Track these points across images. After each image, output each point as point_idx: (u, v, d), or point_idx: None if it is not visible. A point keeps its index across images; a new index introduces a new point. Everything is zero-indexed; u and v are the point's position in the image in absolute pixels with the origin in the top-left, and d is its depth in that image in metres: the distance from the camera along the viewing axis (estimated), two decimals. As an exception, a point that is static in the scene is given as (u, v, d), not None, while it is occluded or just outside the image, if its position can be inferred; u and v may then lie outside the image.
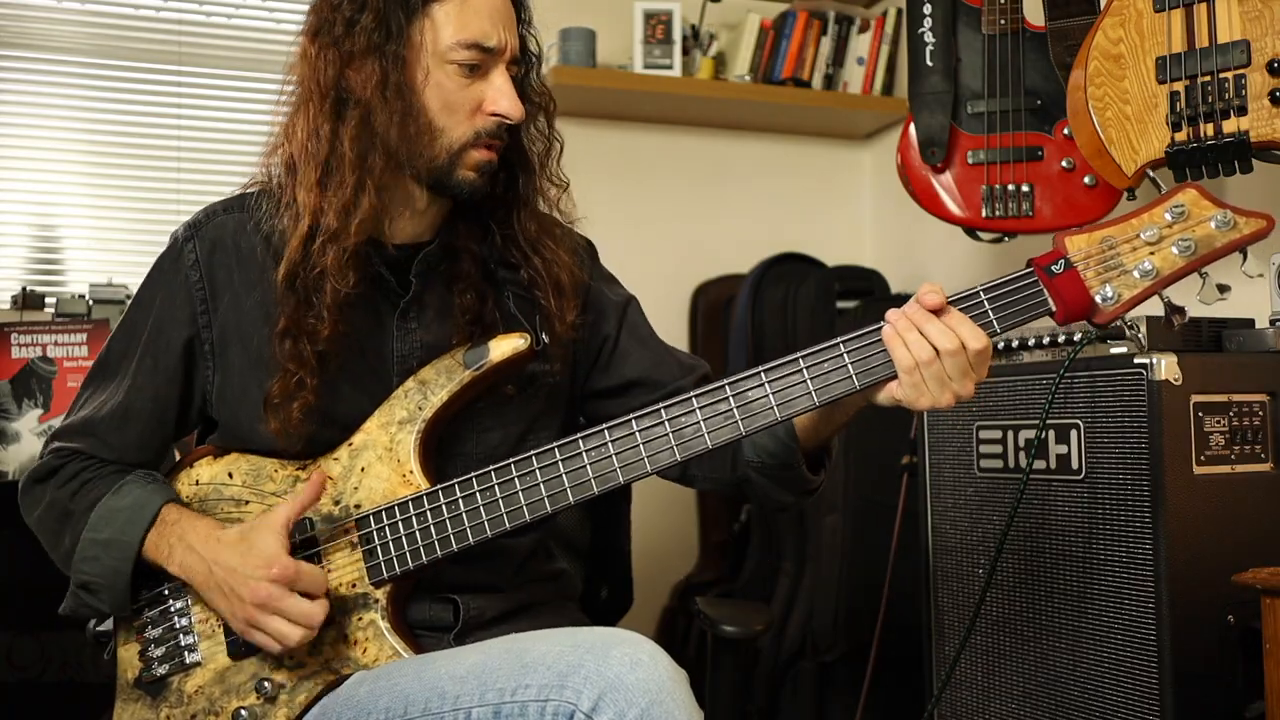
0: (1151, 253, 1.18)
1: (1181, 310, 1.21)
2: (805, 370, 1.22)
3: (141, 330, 1.39)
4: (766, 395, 1.22)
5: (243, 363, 1.36)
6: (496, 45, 1.32)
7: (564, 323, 1.40)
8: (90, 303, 2.36)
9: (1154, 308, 1.27)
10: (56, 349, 2.23)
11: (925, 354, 1.18)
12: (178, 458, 1.43)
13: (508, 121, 1.34)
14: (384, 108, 1.28)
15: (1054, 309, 1.19)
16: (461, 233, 1.40)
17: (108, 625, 1.42)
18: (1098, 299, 1.18)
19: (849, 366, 1.21)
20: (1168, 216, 1.19)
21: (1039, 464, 1.69)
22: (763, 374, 1.22)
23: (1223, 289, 1.20)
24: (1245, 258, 1.20)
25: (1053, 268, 1.19)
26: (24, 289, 2.39)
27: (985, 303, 1.20)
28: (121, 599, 1.31)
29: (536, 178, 1.43)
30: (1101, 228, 1.20)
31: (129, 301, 1.44)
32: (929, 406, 1.20)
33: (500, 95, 1.32)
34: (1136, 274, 1.18)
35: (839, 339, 1.22)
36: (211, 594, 1.27)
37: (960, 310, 1.20)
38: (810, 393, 1.21)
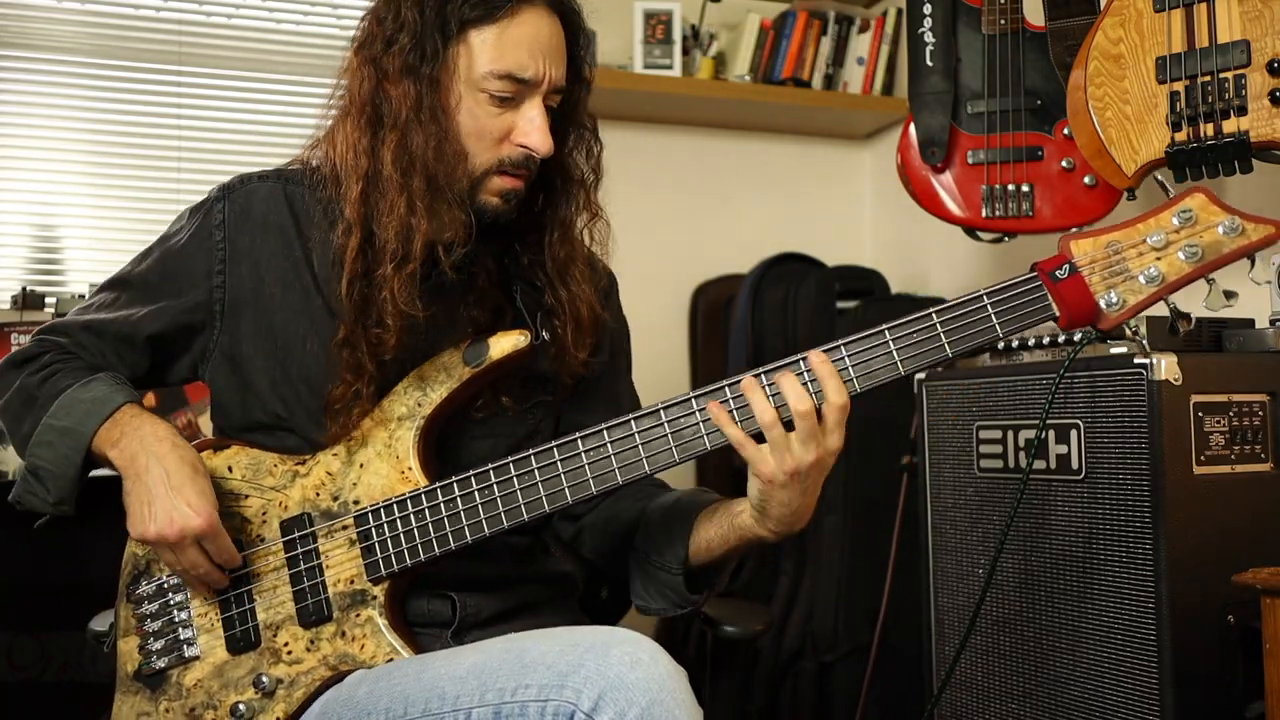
0: (1158, 258, 1.17)
1: (1187, 316, 1.20)
2: (804, 374, 1.21)
3: (156, 266, 1.41)
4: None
5: (253, 330, 1.37)
6: (532, 77, 1.30)
7: (576, 358, 1.40)
8: (90, 302, 2.36)
9: (1157, 308, 1.26)
10: (56, 349, 2.23)
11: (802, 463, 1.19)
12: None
13: (535, 155, 1.32)
14: (419, 130, 1.28)
15: (1058, 314, 1.19)
16: (482, 248, 1.38)
17: (105, 625, 1.42)
18: (1102, 304, 1.18)
19: (850, 370, 1.21)
20: (1175, 221, 1.17)
21: (1039, 464, 1.69)
22: (761, 376, 1.22)
23: (1229, 295, 1.18)
24: (1254, 264, 1.19)
25: (1057, 273, 1.18)
26: (24, 289, 2.40)
27: (988, 306, 1.19)
28: (66, 490, 1.31)
29: (575, 205, 1.42)
30: (1107, 231, 1.19)
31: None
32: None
33: (531, 128, 1.31)
34: (1142, 279, 1.17)
35: (840, 341, 1.21)
36: (135, 484, 1.27)
37: (957, 316, 1.20)
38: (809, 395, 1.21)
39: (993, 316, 1.19)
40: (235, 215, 1.39)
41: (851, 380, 1.20)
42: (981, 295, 1.20)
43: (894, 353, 1.20)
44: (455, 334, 1.36)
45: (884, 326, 1.20)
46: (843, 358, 1.20)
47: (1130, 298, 1.17)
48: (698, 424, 1.23)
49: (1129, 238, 1.18)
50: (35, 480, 1.32)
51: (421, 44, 1.28)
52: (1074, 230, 1.92)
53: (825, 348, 1.21)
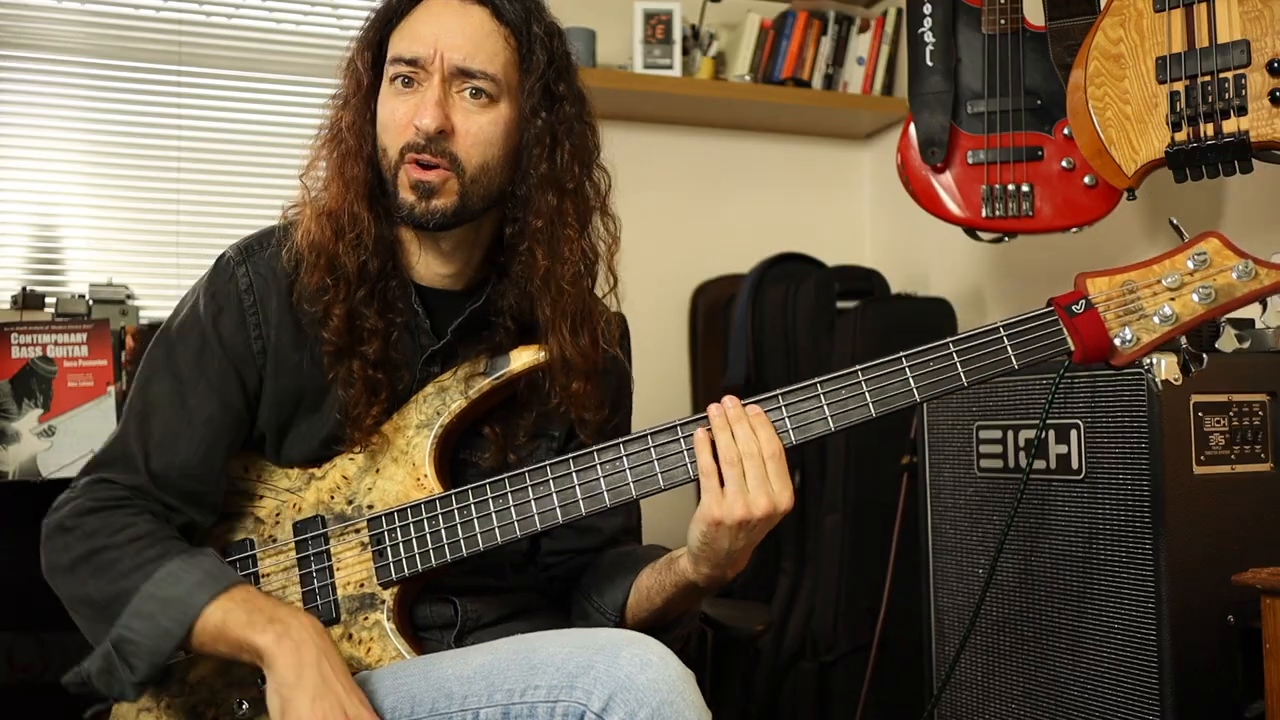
0: (1172, 298, 1.21)
1: (1200, 358, 1.24)
2: (823, 396, 1.23)
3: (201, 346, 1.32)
4: (783, 419, 1.23)
5: (285, 397, 1.34)
6: (421, 55, 1.27)
7: (586, 411, 1.38)
8: (90, 303, 2.36)
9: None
10: (56, 349, 2.23)
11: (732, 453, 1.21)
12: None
13: (428, 131, 1.25)
14: (352, 137, 1.31)
15: (1072, 349, 1.22)
16: (496, 291, 1.35)
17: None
18: (1116, 341, 1.21)
19: (866, 395, 1.22)
20: (1190, 264, 1.21)
21: (1039, 464, 1.69)
22: (780, 397, 1.23)
23: (1242, 339, 1.21)
24: (1265, 308, 1.24)
25: (1073, 307, 1.22)
26: (24, 289, 2.39)
27: (1005, 339, 1.22)
28: (155, 671, 1.19)
29: (551, 251, 1.32)
30: (1123, 271, 1.23)
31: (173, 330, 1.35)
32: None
33: (424, 104, 1.26)
34: (1156, 319, 1.21)
35: (857, 368, 1.23)
36: (304, 673, 1.15)
37: (974, 346, 1.21)
38: (826, 418, 1.23)
39: (1009, 348, 1.22)
40: (261, 280, 1.34)
41: (868, 405, 1.22)
42: (998, 327, 1.23)
43: (910, 380, 1.22)
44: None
45: (901, 355, 1.23)
46: (859, 382, 1.22)
47: (1144, 336, 1.21)
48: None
49: (1144, 278, 1.22)
50: (118, 657, 1.19)
51: (358, 73, 1.33)
52: (1077, 228, 1.94)
53: (838, 374, 1.23)
